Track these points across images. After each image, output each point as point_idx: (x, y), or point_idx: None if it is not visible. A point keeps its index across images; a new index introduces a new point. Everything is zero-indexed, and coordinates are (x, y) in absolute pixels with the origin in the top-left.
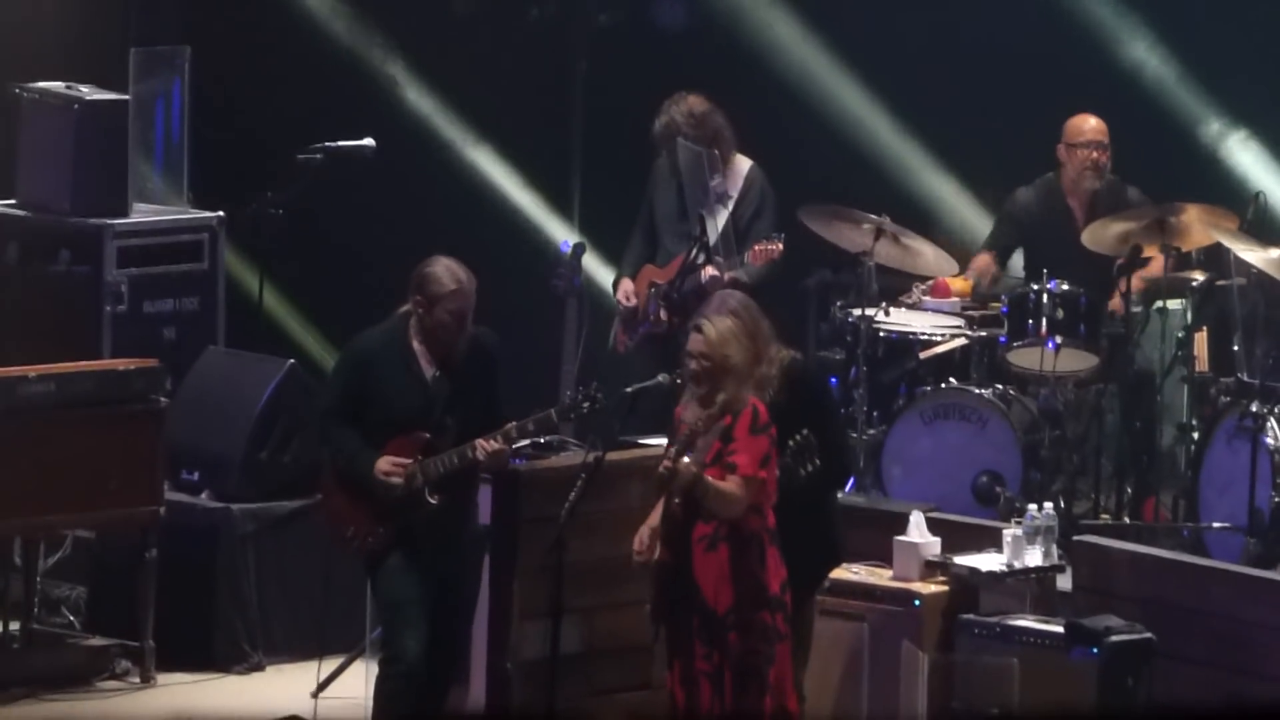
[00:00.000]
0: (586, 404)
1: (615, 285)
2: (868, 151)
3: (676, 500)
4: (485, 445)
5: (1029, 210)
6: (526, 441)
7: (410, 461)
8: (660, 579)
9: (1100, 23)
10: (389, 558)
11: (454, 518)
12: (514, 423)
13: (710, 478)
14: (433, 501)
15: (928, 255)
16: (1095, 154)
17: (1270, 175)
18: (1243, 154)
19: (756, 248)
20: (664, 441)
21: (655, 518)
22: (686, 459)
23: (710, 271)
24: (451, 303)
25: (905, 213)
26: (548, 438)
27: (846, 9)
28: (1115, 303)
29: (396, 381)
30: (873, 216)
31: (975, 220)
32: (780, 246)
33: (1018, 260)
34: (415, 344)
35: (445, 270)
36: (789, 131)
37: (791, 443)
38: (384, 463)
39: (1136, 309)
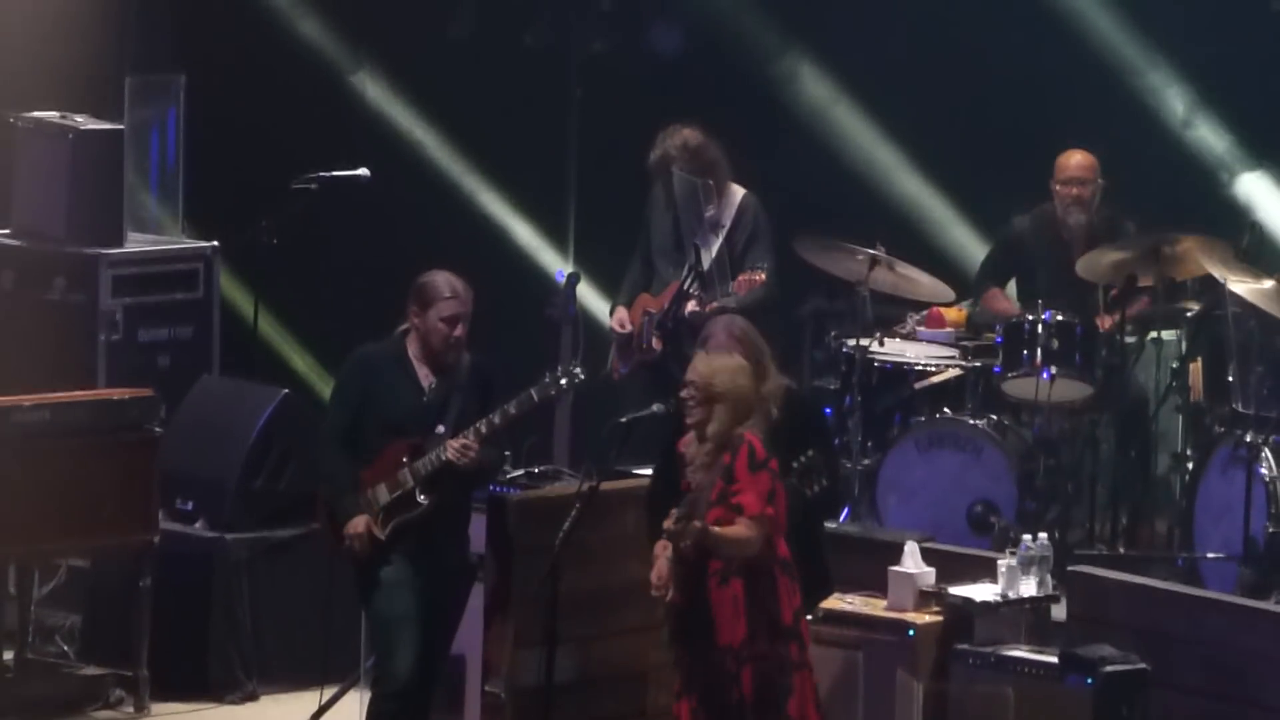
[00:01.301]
0: (564, 380)
1: (611, 313)
2: (865, 178)
3: (685, 545)
4: (453, 443)
5: (1024, 239)
6: (520, 472)
7: (366, 537)
8: (674, 615)
9: (1111, 49)
10: (381, 575)
11: (447, 539)
12: (532, 389)
13: (718, 530)
14: (422, 501)
15: (923, 283)
16: (1077, 190)
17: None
18: (1249, 184)
19: (741, 278)
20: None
21: (662, 565)
22: (695, 521)
23: (691, 306)
24: (446, 308)
25: (902, 238)
26: (541, 467)
27: (843, 34)
28: (1106, 323)
29: (393, 389)
30: (867, 250)
31: (972, 246)
32: (763, 276)
33: (1011, 289)
34: (413, 356)
35: (443, 279)
36: (785, 158)
37: (796, 464)
38: (359, 523)
39: (1131, 339)
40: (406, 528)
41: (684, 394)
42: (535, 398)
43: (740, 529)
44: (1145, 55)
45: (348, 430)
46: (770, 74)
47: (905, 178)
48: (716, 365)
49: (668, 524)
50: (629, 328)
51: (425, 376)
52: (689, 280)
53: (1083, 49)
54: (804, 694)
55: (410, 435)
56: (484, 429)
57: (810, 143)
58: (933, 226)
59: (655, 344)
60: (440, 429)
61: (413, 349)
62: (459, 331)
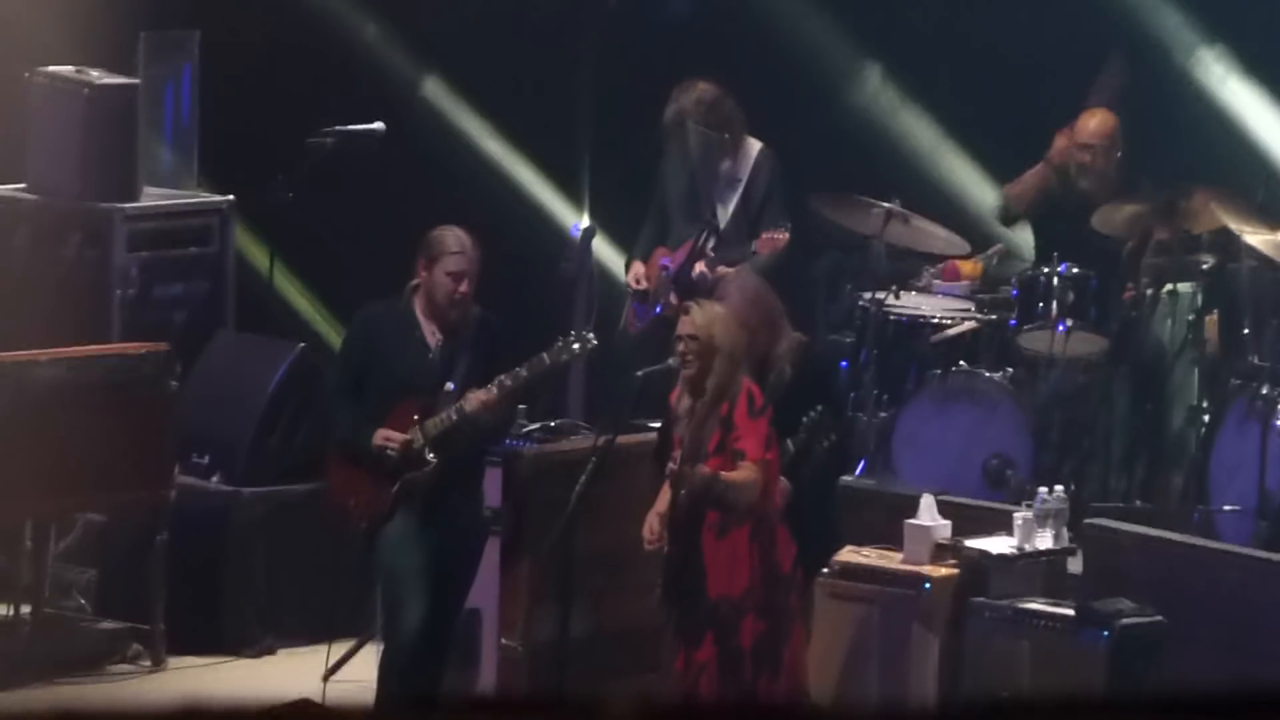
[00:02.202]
0: (577, 345)
1: (627, 267)
2: (880, 132)
3: (684, 494)
4: (475, 395)
5: (1040, 190)
6: (536, 426)
7: (405, 436)
8: (669, 569)
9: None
10: (391, 528)
11: (459, 494)
12: (544, 353)
13: (726, 475)
14: (431, 459)
15: (939, 236)
16: (1089, 156)
17: None
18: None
19: (764, 236)
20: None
21: (663, 503)
22: (702, 467)
23: (700, 268)
24: (453, 263)
25: (918, 192)
26: (557, 421)
27: None
28: (1129, 295)
29: (399, 345)
30: (883, 203)
31: (990, 199)
32: (786, 235)
33: (1028, 242)
34: (419, 312)
35: (450, 234)
36: (800, 113)
37: (806, 419)
38: (380, 436)
39: (1147, 291)
40: (415, 485)
41: (681, 347)
42: (547, 361)
43: (744, 473)
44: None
45: (352, 387)
46: (787, 31)
47: (922, 130)
48: (713, 316)
49: (671, 468)
50: (644, 283)
51: (432, 334)
52: (704, 238)
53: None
54: (797, 643)
55: (418, 393)
56: (509, 382)
57: (825, 97)
58: (950, 179)
59: (673, 299)
60: (449, 386)
61: (420, 305)
62: (464, 287)
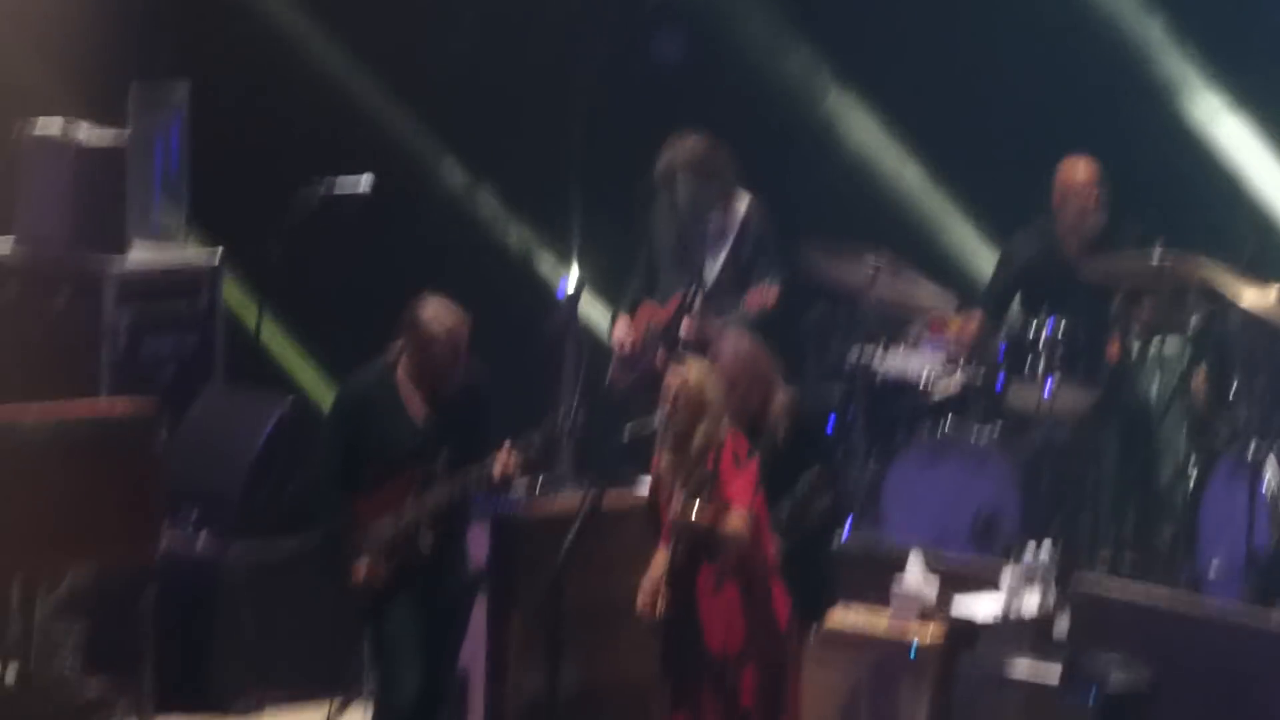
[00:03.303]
0: (569, 424)
1: (613, 323)
2: (872, 183)
3: (680, 547)
4: (499, 460)
5: (1025, 254)
6: (524, 482)
7: (382, 565)
8: (667, 630)
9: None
10: (388, 597)
11: (447, 556)
12: (536, 433)
13: (718, 527)
14: (429, 539)
15: (927, 291)
16: (1086, 199)
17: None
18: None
19: (753, 293)
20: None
21: (656, 569)
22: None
23: (688, 326)
24: (442, 347)
25: (908, 244)
26: (544, 480)
27: (848, 39)
28: (1113, 350)
29: (389, 424)
30: (872, 257)
31: (980, 251)
32: (776, 291)
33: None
34: (406, 384)
35: (437, 312)
36: (791, 163)
37: (803, 478)
38: (359, 570)
39: (1135, 345)
40: (414, 562)
41: (669, 403)
42: (539, 440)
43: (736, 521)
44: (1152, 55)
45: (340, 467)
46: (777, 83)
47: (912, 182)
48: (703, 373)
49: (675, 508)
50: (631, 337)
51: (418, 406)
52: (692, 294)
53: (1092, 54)
54: (796, 697)
55: (409, 468)
56: (532, 451)
57: (816, 149)
58: (939, 231)
59: (658, 357)
60: (440, 459)
61: (404, 377)
62: (450, 361)
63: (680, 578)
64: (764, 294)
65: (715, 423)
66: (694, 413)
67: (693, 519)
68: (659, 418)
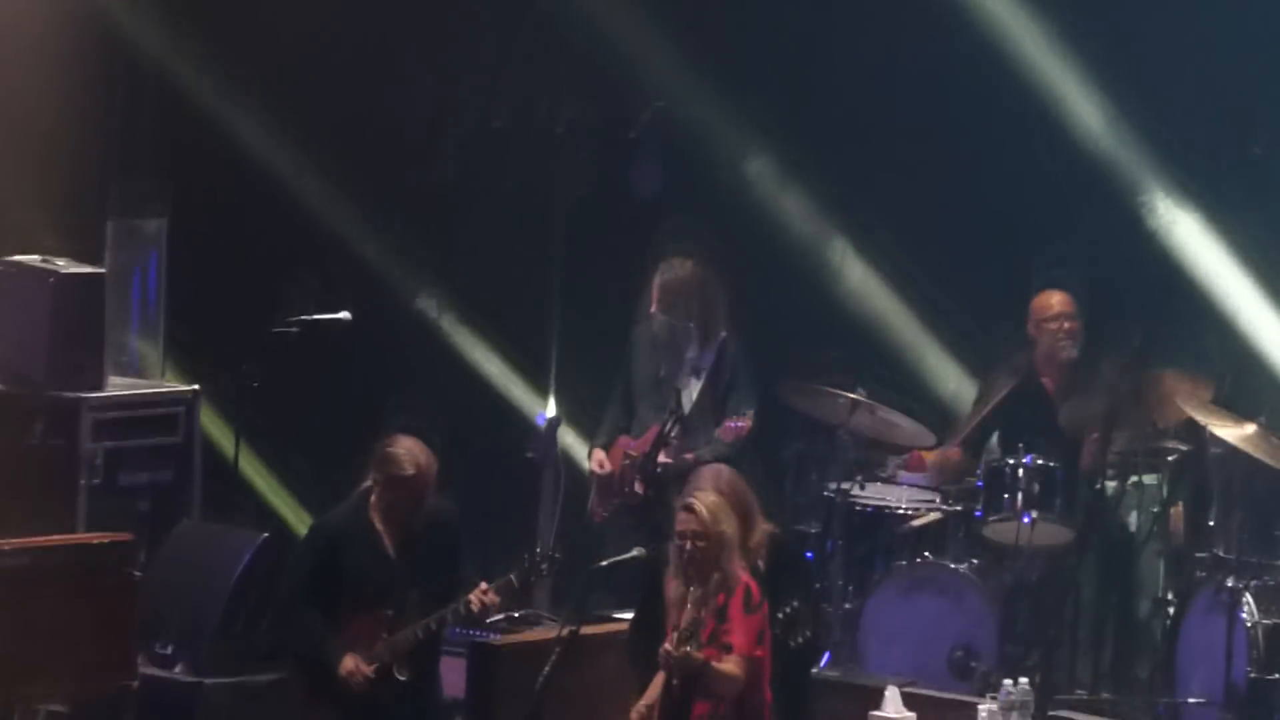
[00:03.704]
0: (544, 565)
1: (590, 455)
2: (850, 316)
3: (675, 681)
4: (478, 596)
5: (1003, 388)
6: (501, 616)
7: (371, 666)
8: None
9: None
10: None
11: (420, 690)
12: (512, 574)
13: (714, 664)
14: (401, 678)
15: (904, 428)
16: (1065, 324)
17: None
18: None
19: (727, 425)
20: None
21: (652, 694)
22: (688, 649)
23: (663, 458)
24: (409, 487)
25: (888, 374)
26: (521, 611)
27: (831, 166)
28: (1086, 461)
29: (361, 561)
30: (849, 395)
31: (960, 383)
32: (749, 423)
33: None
34: (377, 522)
35: (405, 453)
36: (769, 295)
37: (781, 614)
38: (350, 662)
39: (1113, 482)
40: (386, 700)
41: (687, 546)
42: (515, 583)
43: (731, 666)
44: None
45: (308, 598)
46: (752, 214)
47: (891, 315)
48: (714, 506)
49: (666, 646)
50: (608, 468)
51: (390, 543)
52: (670, 425)
53: (1070, 168)
54: None
55: (381, 606)
56: (515, 583)
57: (793, 282)
58: (918, 364)
59: (637, 487)
60: (410, 596)
61: (377, 516)
62: (418, 503)
63: (674, 709)
64: (738, 425)
65: (731, 557)
66: (711, 549)
67: (689, 654)
68: (672, 548)
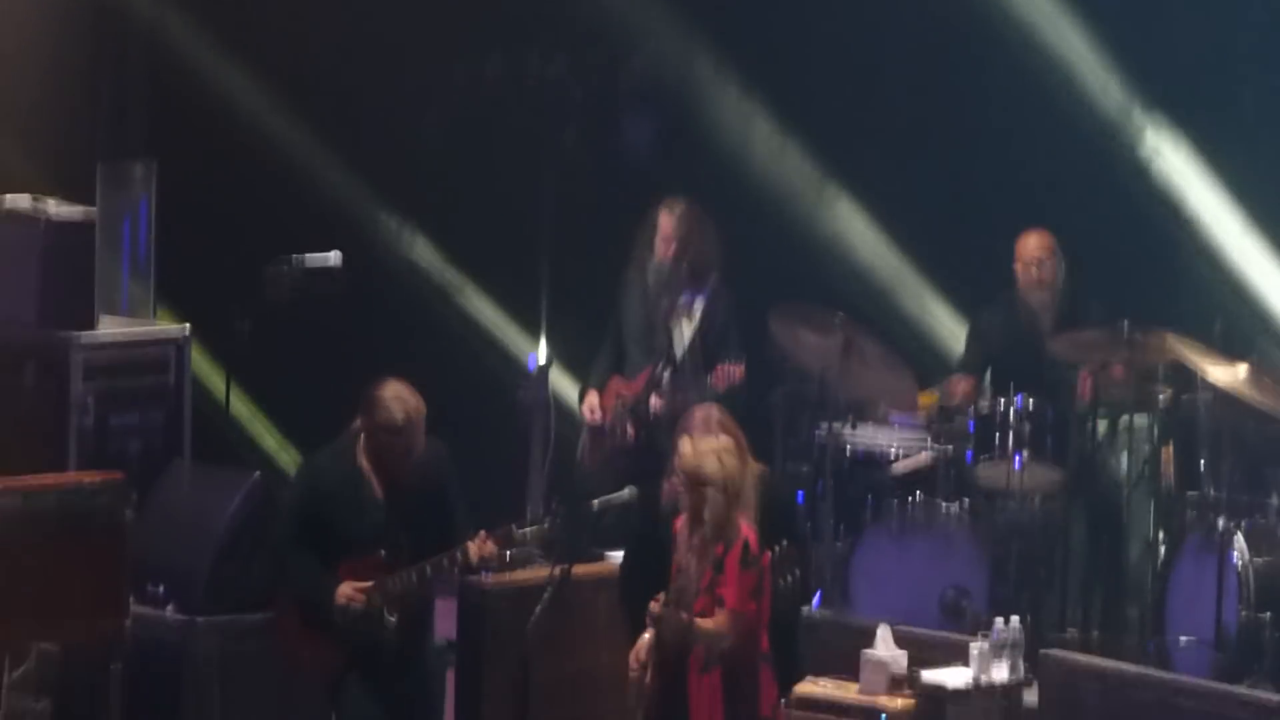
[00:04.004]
0: (548, 519)
1: (581, 397)
2: (840, 256)
3: (665, 632)
4: (476, 546)
5: (992, 327)
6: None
7: (370, 585)
8: (651, 703)
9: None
10: (350, 679)
11: (411, 634)
12: (513, 524)
13: (699, 622)
14: (391, 620)
15: (895, 368)
16: (1037, 271)
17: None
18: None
19: (719, 370)
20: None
21: (644, 642)
22: (682, 614)
23: (656, 402)
24: (398, 434)
25: (879, 317)
26: (512, 551)
27: (819, 113)
28: (1084, 390)
29: (349, 504)
30: (839, 323)
31: (948, 322)
32: (742, 369)
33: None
34: (365, 465)
35: (394, 399)
36: (760, 241)
37: (771, 553)
38: (345, 588)
39: (1103, 422)
40: (375, 644)
41: (673, 482)
42: (515, 533)
43: (717, 623)
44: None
45: (304, 540)
46: (746, 156)
47: (882, 255)
48: (702, 450)
49: (653, 607)
50: (600, 413)
51: (379, 488)
52: (662, 368)
53: (1062, 125)
54: None
55: (371, 551)
56: (515, 533)
57: (786, 225)
58: (910, 305)
59: (629, 430)
60: (403, 541)
61: (365, 459)
62: (407, 446)
63: (669, 653)
64: (730, 371)
65: (724, 500)
66: (698, 491)
67: (674, 614)
68: (626, 492)
